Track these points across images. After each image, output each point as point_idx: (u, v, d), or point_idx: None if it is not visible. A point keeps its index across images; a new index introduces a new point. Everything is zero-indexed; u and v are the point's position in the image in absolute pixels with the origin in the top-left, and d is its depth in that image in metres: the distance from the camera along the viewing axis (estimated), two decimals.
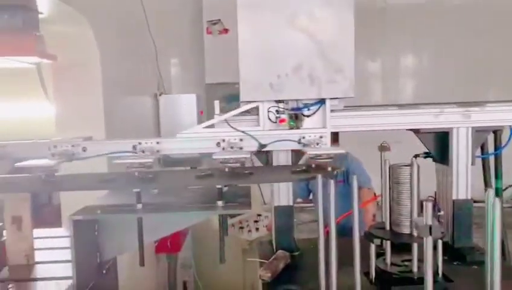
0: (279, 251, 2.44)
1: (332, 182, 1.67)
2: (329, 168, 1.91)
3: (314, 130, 2.21)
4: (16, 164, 1.95)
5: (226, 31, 6.38)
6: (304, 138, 2.19)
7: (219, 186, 1.91)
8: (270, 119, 2.27)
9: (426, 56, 6.30)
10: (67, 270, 1.95)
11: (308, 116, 2.25)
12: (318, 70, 2.17)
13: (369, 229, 2.05)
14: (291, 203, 2.56)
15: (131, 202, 1.88)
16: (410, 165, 1.86)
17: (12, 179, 2.01)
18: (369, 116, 2.34)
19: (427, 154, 2.46)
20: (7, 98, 2.88)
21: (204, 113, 4.26)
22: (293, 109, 2.24)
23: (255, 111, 2.32)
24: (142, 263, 1.95)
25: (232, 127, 2.22)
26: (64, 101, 2.60)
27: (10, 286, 1.84)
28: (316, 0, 2.17)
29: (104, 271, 2.07)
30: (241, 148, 2.15)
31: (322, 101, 2.26)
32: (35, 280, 1.94)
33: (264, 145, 2.17)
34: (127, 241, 2.03)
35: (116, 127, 2.71)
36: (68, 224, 1.83)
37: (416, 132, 2.40)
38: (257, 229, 3.90)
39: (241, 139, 2.16)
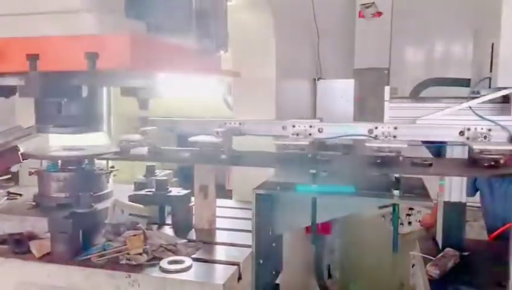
0: (448, 249, 2.32)
1: None
2: None
3: None
4: (189, 138, 2.12)
5: (379, 14, 6.15)
6: None
7: (396, 175, 1.87)
8: None
9: None
10: (244, 238, 2.13)
11: None
12: None
13: None
14: (463, 200, 2.40)
15: (299, 181, 1.95)
16: None
17: (197, 152, 2.23)
18: None
19: None
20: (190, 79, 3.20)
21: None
22: None
23: (499, 99, 2.09)
24: (314, 242, 2.03)
25: (478, 115, 2.01)
26: (240, 84, 2.80)
27: (199, 246, 2.07)
28: None
29: (273, 244, 2.21)
30: (485, 138, 1.92)
31: None
32: (219, 244, 2.15)
33: None
34: (297, 218, 2.13)
35: (284, 109, 2.83)
36: (251, 197, 1.99)
37: None
38: (409, 223, 3.75)
39: (489, 129, 1.93)
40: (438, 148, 2.32)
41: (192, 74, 2.05)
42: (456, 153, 2.26)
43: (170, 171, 2.75)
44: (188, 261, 1.86)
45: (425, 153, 2.36)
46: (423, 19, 6.28)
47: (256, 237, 2.01)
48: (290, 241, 2.54)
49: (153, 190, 2.34)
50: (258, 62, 2.71)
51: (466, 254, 2.32)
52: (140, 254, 1.89)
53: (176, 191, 2.33)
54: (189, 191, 2.32)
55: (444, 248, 2.37)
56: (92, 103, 1.95)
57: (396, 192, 1.87)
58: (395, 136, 2.02)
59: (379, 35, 6.08)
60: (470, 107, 2.03)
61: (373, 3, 6.14)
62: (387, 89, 2.45)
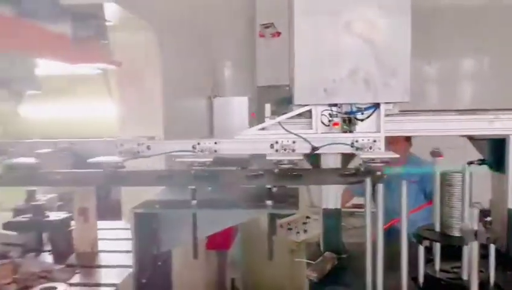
0: (327, 253, 2.48)
1: (381, 186, 1.69)
2: (379, 173, 1.92)
3: (368, 134, 2.22)
4: (88, 160, 2.06)
5: (278, 34, 6.47)
6: (357, 141, 2.20)
7: (268, 186, 1.98)
8: (323, 122, 2.31)
9: (487, 60, 6.02)
10: (127, 259, 2.11)
11: (361, 120, 2.26)
12: (373, 74, 2.18)
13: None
14: (338, 206, 2.59)
15: (186, 198, 2.00)
16: (462, 170, 1.85)
17: (80, 173, 2.18)
18: (422, 121, 2.32)
19: (482, 161, 2.41)
20: (77, 99, 3.13)
21: (256, 115, 4.34)
22: (346, 113, 2.26)
23: (307, 114, 2.37)
24: (195, 256, 2.06)
25: (285, 129, 2.28)
26: (127, 103, 2.78)
27: (77, 271, 2.01)
28: (371, 4, 2.18)
29: (159, 263, 2.20)
30: (293, 150, 2.20)
31: (376, 106, 2.26)
32: (99, 267, 2.11)
33: (317, 148, 2.20)
34: (181, 235, 2.15)
35: (174, 128, 2.86)
36: (129, 217, 1.98)
37: (471, 138, 2.35)
38: (305, 231, 3.94)
39: (293, 142, 2.22)
40: (314, 159, 2.49)
41: (69, 61, 2.03)
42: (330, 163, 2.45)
43: (55, 195, 2.63)
44: (61, 287, 1.79)
45: None
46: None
47: (138, 257, 2.00)
48: (185, 259, 2.55)
49: (30, 215, 2.22)
50: (144, 82, 2.73)
51: (344, 256, 2.50)
52: (9, 283, 1.79)
53: (54, 215, 2.24)
54: (69, 215, 2.25)
55: (324, 252, 2.54)
56: None
57: (269, 202, 1.97)
58: (294, 150, 2.20)
59: (278, 54, 6.40)
60: (279, 122, 2.30)
61: (272, 23, 6.46)
62: (267, 106, 2.60)
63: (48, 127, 3.29)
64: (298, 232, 3.90)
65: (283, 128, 2.30)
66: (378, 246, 1.74)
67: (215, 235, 3.00)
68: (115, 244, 2.39)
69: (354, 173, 2.05)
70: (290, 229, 3.95)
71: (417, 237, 1.99)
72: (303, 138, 2.22)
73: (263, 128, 2.41)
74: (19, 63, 1.97)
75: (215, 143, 2.26)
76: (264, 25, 6.39)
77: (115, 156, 2.16)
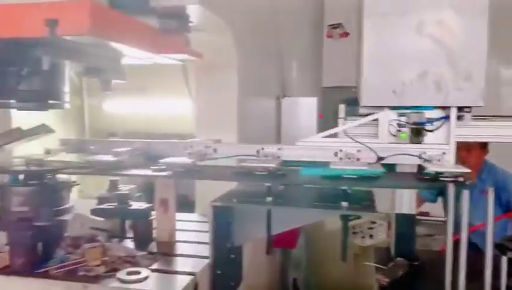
0: (399, 259, 2.44)
1: (466, 192, 1.64)
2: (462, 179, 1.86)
3: (437, 146, 2.13)
4: (161, 160, 2.16)
5: (346, 34, 6.38)
6: (425, 153, 2.11)
7: (344, 187, 1.98)
8: (390, 132, 2.26)
9: None
10: (203, 250, 2.20)
11: (431, 131, 2.19)
12: (445, 77, 2.11)
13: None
14: (413, 212, 2.53)
15: (261, 194, 2.04)
16: None
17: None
18: (495, 127, 2.23)
19: None
20: (156, 96, 3.30)
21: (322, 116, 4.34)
22: (415, 123, 2.20)
23: (375, 122, 2.32)
24: (269, 252, 2.11)
25: (351, 138, 2.23)
26: (204, 102, 2.90)
27: (157, 258, 2.13)
28: (445, 5, 2.11)
29: (232, 256, 2.28)
30: (358, 159, 2.14)
31: (446, 117, 2.18)
32: (177, 255, 2.22)
33: (382, 158, 2.15)
34: (255, 230, 2.21)
35: (246, 128, 2.93)
36: (207, 209, 2.07)
37: None
38: (371, 236, 3.86)
39: (358, 151, 2.15)
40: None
41: (154, 51, 2.15)
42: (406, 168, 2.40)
43: (134, 186, 2.80)
44: (145, 272, 1.91)
45: None
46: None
47: (214, 248, 2.09)
48: (254, 254, 2.61)
49: (115, 204, 2.38)
50: (220, 82, 2.82)
51: (416, 263, 2.44)
52: (99, 265, 1.94)
53: (137, 205, 2.38)
54: (150, 205, 2.38)
55: (396, 257, 2.49)
56: (55, 77, 1.93)
57: (344, 204, 1.97)
58: (358, 159, 2.15)
59: (346, 55, 6.32)
60: (344, 131, 2.26)
61: (340, 24, 6.39)
62: (341, 107, 2.59)
63: (129, 123, 3.49)
64: (363, 237, 3.84)
65: (349, 136, 2.25)
66: (461, 256, 1.68)
67: (282, 233, 3.04)
68: (188, 235, 2.50)
69: (434, 177, 1.99)
70: (355, 233, 3.89)
71: (500, 248, 1.90)
72: (368, 147, 2.15)
73: (328, 136, 2.37)
74: (107, 52, 2.09)
75: (279, 149, 2.24)
76: (332, 25, 6.34)
77: (184, 157, 2.24)
